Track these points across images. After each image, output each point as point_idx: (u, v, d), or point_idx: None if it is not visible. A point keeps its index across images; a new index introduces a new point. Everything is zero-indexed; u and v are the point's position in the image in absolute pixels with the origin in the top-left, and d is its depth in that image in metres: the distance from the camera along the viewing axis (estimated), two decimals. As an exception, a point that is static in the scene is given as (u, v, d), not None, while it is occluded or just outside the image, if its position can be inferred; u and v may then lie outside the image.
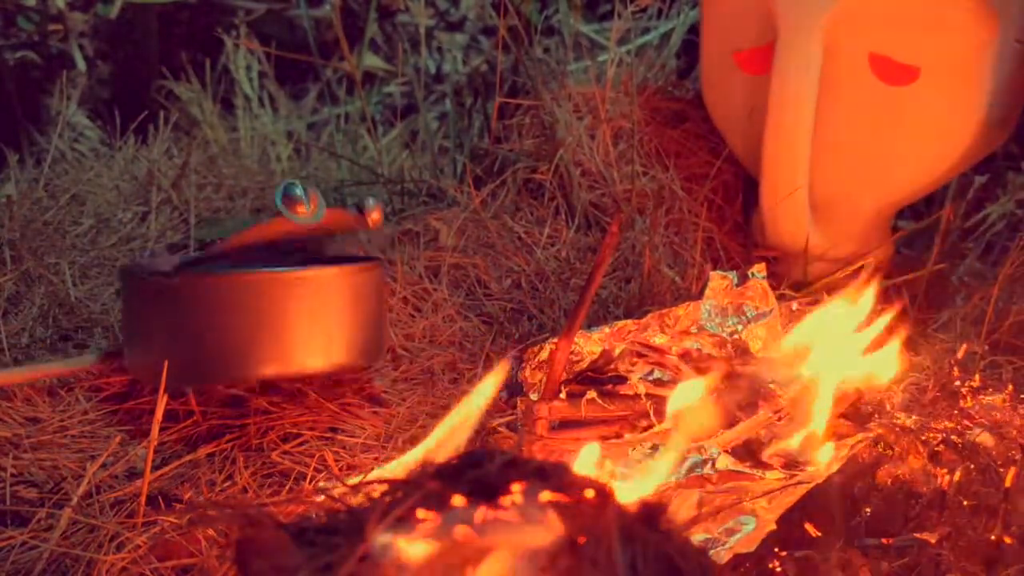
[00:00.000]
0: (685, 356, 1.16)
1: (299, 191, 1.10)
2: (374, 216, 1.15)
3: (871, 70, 1.38)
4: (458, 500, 0.54)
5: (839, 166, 1.44)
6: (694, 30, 1.77)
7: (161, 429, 0.97)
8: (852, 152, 1.44)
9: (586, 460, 0.80)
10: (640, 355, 1.14)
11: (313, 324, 1.07)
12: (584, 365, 1.13)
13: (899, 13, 1.37)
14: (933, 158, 1.43)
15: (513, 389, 1.18)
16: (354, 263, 1.12)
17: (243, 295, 1.04)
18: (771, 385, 1.09)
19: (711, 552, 0.86)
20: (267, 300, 1.04)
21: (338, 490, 0.62)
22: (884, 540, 0.90)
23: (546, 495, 0.55)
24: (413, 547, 0.52)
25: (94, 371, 1.20)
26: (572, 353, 1.11)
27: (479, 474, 0.56)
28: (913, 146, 1.42)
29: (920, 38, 1.36)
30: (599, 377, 1.11)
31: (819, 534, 0.92)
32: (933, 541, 0.90)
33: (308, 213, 1.10)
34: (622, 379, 1.10)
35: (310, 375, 1.11)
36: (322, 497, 0.62)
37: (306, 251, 1.16)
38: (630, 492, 0.75)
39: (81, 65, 2.30)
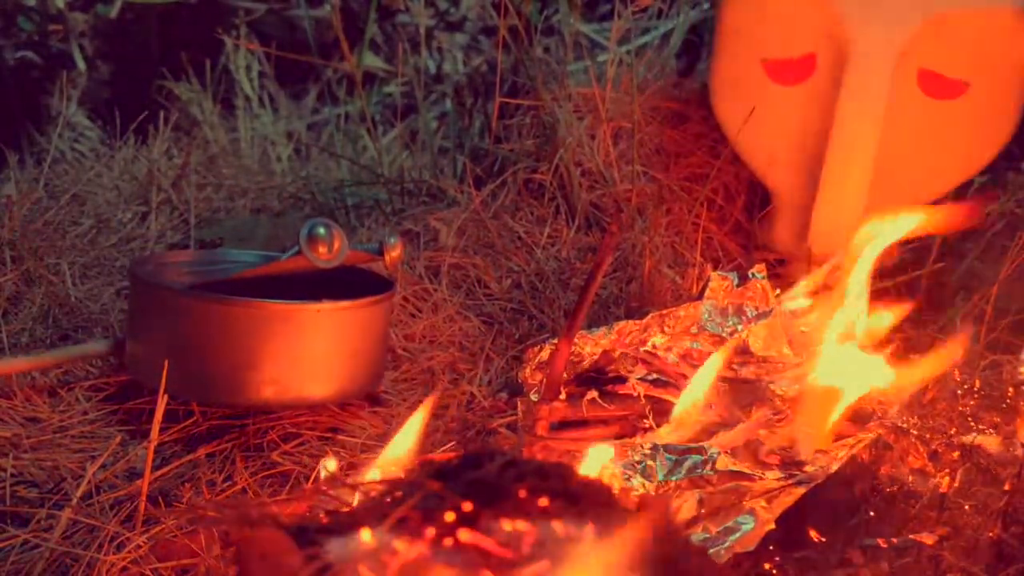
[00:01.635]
0: (686, 357, 1.16)
1: (323, 233, 1.09)
2: (393, 254, 1.15)
3: (918, 85, 1.41)
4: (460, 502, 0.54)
5: (877, 176, 1.46)
6: (695, 30, 1.77)
7: (161, 429, 0.97)
8: (890, 162, 1.45)
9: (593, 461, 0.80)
10: (644, 361, 1.14)
11: (320, 355, 1.07)
12: (584, 365, 1.13)
13: (953, 31, 1.39)
14: (963, 164, 1.48)
15: (513, 389, 1.18)
16: (365, 296, 1.10)
17: (251, 323, 1.04)
18: (771, 387, 1.09)
19: (711, 552, 0.86)
20: (274, 330, 1.04)
21: (339, 490, 0.62)
22: (884, 540, 0.90)
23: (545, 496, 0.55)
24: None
25: (95, 370, 1.20)
26: (572, 353, 1.11)
27: (479, 475, 0.56)
28: (950, 154, 1.46)
29: (971, 53, 1.40)
30: (599, 377, 1.11)
31: (819, 535, 0.92)
32: (933, 541, 0.90)
33: (330, 256, 1.10)
34: (622, 379, 1.10)
35: (311, 404, 1.11)
36: (322, 497, 0.62)
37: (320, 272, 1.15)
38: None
39: (81, 65, 2.30)
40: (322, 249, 1.10)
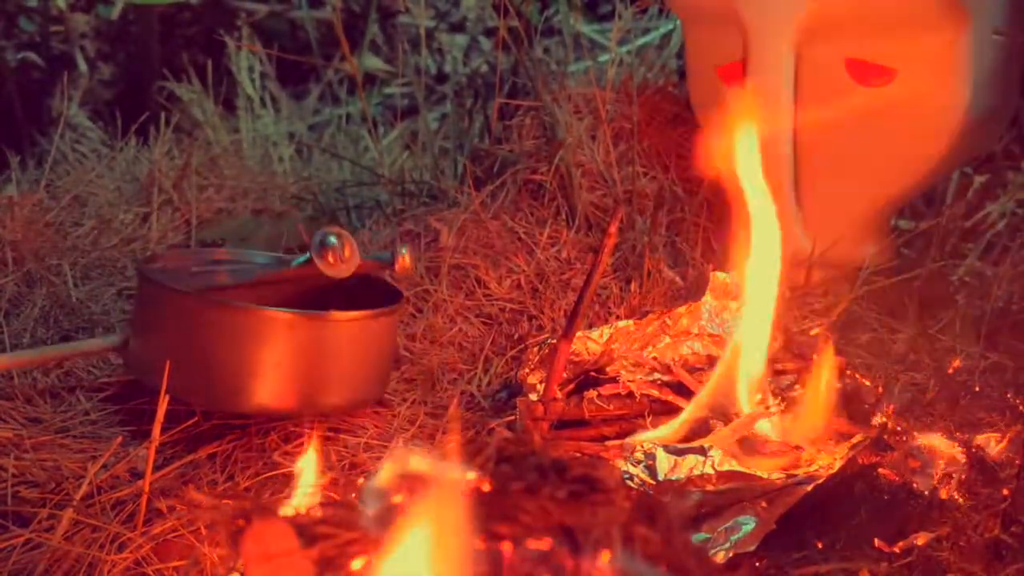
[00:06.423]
0: (686, 358, 1.16)
1: (335, 242, 1.09)
2: (404, 263, 1.15)
3: (849, 74, 1.40)
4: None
5: (826, 170, 1.45)
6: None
7: (162, 429, 0.97)
8: (838, 156, 1.45)
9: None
10: (644, 361, 1.14)
11: (328, 365, 1.06)
12: (584, 365, 1.13)
13: (869, 16, 1.38)
14: (918, 156, 1.44)
15: (513, 389, 1.18)
16: (375, 304, 1.10)
17: (258, 332, 1.03)
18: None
19: (711, 552, 0.86)
20: (281, 339, 1.03)
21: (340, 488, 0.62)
22: (884, 541, 0.90)
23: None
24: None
25: (96, 371, 1.20)
26: (572, 353, 1.11)
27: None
28: (897, 145, 1.43)
29: (892, 39, 1.38)
30: (599, 377, 1.11)
31: (819, 535, 0.92)
32: (933, 541, 0.90)
33: (341, 265, 1.09)
34: (621, 379, 1.11)
35: (318, 414, 1.10)
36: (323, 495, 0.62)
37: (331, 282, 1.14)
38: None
39: (82, 66, 2.30)
40: (333, 259, 1.09)
